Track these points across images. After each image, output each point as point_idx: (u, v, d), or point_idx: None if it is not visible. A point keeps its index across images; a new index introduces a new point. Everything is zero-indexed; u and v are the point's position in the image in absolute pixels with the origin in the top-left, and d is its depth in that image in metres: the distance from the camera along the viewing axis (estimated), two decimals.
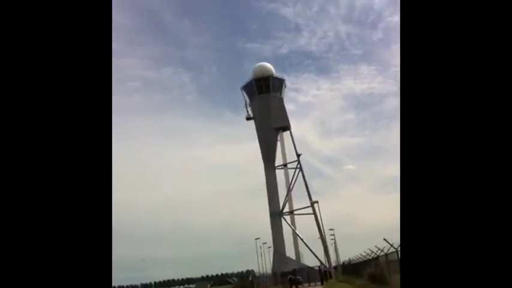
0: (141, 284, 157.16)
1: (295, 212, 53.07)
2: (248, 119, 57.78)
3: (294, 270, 39.53)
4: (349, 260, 28.13)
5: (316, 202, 50.74)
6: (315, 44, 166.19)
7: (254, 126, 57.43)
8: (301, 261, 49.09)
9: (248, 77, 57.57)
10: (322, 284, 35.97)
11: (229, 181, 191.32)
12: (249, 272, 31.99)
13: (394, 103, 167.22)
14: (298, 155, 53.57)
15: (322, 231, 50.28)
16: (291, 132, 55.52)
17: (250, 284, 32.38)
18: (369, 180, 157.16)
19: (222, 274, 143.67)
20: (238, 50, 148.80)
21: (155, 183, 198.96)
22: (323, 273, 39.49)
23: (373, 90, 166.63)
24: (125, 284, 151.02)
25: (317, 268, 43.60)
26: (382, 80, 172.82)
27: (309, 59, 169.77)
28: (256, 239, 43.41)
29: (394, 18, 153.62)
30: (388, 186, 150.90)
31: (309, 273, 40.78)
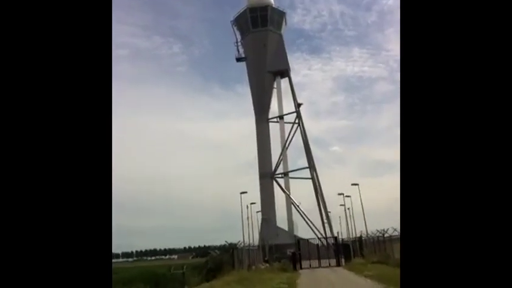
0: (122, 252, 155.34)
1: (290, 175, 43.46)
2: (238, 59, 46.90)
3: (298, 242, 26.44)
4: (382, 233, 18.69)
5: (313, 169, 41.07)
6: (309, 22, 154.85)
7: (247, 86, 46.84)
8: (295, 233, 39.92)
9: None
10: (338, 264, 24.14)
11: (215, 156, 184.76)
12: (231, 245, 21.73)
13: (383, 88, 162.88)
14: (299, 105, 43.43)
15: (320, 199, 40.88)
16: (290, 79, 45.10)
17: (229, 257, 22.64)
18: (354, 163, 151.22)
19: (204, 246, 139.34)
20: (230, 24, 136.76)
21: (140, 153, 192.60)
22: (341, 249, 25.91)
23: (363, 73, 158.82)
24: None
25: (324, 242, 31.25)
26: (373, 64, 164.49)
27: (301, 37, 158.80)
28: (241, 193, 28.75)
29: (389, 1, 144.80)
30: (373, 170, 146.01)
31: (319, 247, 27.48)
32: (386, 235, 21.01)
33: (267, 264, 24.41)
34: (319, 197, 40.80)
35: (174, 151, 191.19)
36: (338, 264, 24.20)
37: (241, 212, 27.14)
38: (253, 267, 21.84)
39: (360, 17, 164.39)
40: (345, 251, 25.66)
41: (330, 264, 24.30)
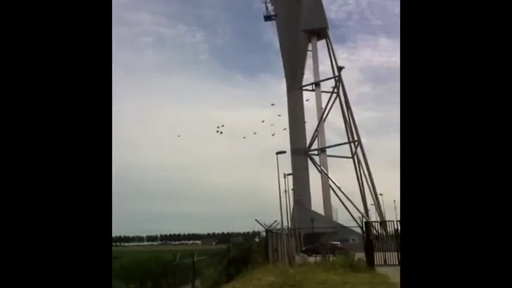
0: (147, 236, 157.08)
1: (327, 152, 37.01)
2: (267, 18, 40.52)
3: (367, 225, 14.66)
4: None
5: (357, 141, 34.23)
6: (335, 10, 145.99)
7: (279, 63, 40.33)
8: (334, 219, 33.65)
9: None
10: None
11: (239, 144, 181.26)
12: (255, 233, 15.48)
13: None
14: (340, 69, 36.60)
15: (367, 179, 34.09)
16: (328, 39, 38.22)
17: (259, 245, 16.83)
18: (380, 155, 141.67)
19: (228, 233, 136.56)
20: (254, 12, 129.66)
21: (165, 141, 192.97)
22: None
23: (391, 64, 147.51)
24: (131, 235, 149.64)
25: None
26: None
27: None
28: (278, 153, 20.75)
29: None
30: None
31: (397, 233, 21.52)
32: None
33: (307, 256, 17.98)
34: (365, 177, 34.14)
35: (198, 139, 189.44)
36: None
37: (278, 178, 19.88)
38: (295, 260, 15.74)
39: (388, 6, 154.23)
40: None
41: None
